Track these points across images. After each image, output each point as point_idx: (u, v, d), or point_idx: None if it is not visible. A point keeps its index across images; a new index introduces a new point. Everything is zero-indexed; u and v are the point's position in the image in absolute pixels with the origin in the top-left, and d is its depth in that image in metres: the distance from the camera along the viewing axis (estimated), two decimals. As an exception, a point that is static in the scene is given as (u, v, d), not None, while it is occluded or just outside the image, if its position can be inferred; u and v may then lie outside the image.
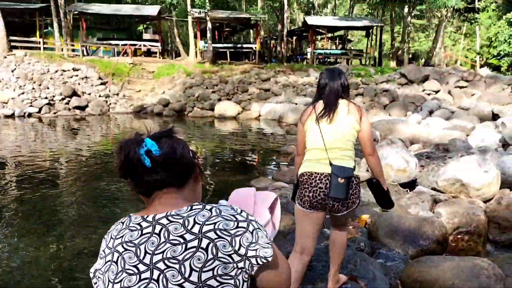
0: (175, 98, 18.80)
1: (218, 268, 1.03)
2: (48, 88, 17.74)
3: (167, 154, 1.13)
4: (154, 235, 1.08)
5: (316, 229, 2.67)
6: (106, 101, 18.54)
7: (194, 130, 14.54)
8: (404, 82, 18.80)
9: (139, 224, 1.12)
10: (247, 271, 1.07)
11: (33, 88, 17.45)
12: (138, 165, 1.12)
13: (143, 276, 1.04)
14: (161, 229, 1.08)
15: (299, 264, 2.65)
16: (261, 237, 1.09)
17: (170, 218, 1.09)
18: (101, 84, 19.41)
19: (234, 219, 1.08)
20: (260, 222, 1.16)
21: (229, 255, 1.04)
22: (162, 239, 1.06)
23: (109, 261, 1.11)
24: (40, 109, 16.62)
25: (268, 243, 1.09)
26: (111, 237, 1.15)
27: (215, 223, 1.06)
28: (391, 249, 3.76)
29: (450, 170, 4.94)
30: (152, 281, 1.03)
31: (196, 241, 1.04)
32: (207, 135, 13.67)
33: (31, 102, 16.80)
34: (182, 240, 1.05)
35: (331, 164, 2.50)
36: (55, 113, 16.83)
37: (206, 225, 1.06)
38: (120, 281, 1.06)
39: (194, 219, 1.07)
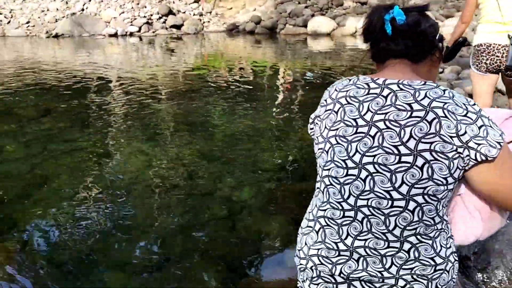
0: (267, 15, 18.39)
1: (436, 144, 1.03)
2: (145, 7, 18.27)
3: (410, 25, 1.13)
4: (380, 96, 1.11)
5: (491, 88, 3.45)
6: (200, 20, 18.73)
7: (286, 49, 14.30)
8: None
9: (367, 84, 1.16)
10: (464, 160, 1.04)
11: (132, 7, 18.07)
12: (379, 31, 1.15)
13: (360, 130, 1.10)
14: (389, 93, 1.11)
15: None
16: (490, 135, 1.03)
17: (401, 86, 1.10)
18: (194, 2, 19.51)
19: (465, 107, 1.05)
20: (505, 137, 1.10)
21: (451, 137, 1.02)
22: (388, 102, 1.09)
23: (329, 110, 1.18)
24: (140, 28, 17.28)
25: (496, 144, 1.02)
26: (335, 90, 1.21)
27: (445, 103, 1.04)
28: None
29: None
30: (368, 136, 1.09)
31: (423, 112, 1.04)
32: (299, 53, 13.37)
33: (131, 21, 17.50)
34: (408, 108, 1.06)
35: (509, 36, 2.98)
36: (153, 32, 17.44)
37: (436, 101, 1.05)
38: (336, 129, 1.14)
39: (426, 93, 1.07)
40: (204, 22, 18.82)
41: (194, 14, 18.92)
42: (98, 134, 5.59)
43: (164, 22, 17.95)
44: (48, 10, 17.99)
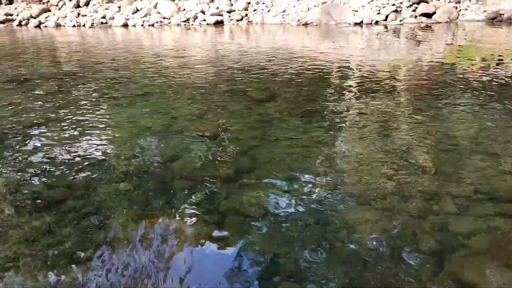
0: (546, 1, 15.02)
1: None
2: (396, -5, 17.39)
3: None
4: None
5: None
6: (456, 7, 16.72)
7: None
8: None
9: None
10: None
11: (382, -5, 17.47)
12: None
13: None
14: None
15: None
16: None
17: None
18: (453, -13, 17.49)
19: None
20: None
21: None
22: None
23: None
24: (387, 16, 16.59)
25: None
26: None
27: None
28: None
29: None
30: None
31: None
32: None
33: (379, 10, 16.95)
34: None
35: None
36: (400, 20, 16.48)
37: None
38: None
39: None
40: (460, 10, 16.73)
41: (449, 1, 17.01)
42: (316, 124, 5.44)
43: (414, 10, 16.74)
44: (303, -1, 19.12)
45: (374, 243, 3.02)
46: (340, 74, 8.37)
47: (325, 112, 5.92)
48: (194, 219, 3.46)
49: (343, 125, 5.43)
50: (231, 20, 18.97)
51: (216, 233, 3.26)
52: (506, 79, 7.53)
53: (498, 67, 8.73)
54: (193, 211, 3.57)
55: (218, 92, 7.16)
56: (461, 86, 7.07)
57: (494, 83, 7.21)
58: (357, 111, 5.94)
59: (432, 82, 7.42)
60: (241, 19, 18.97)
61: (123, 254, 3.10)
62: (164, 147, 4.89)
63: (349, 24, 16.69)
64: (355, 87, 7.27)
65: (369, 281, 2.66)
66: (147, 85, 7.77)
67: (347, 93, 6.93)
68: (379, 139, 4.87)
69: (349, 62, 9.66)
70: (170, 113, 6.04)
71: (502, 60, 9.58)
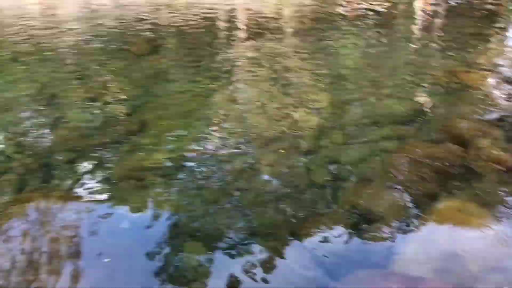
0: None
1: None
2: None
3: None
4: None
5: None
6: None
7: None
8: None
9: None
10: None
11: None
12: None
13: None
14: None
15: None
16: None
17: None
18: None
19: None
20: None
21: None
22: None
23: None
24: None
25: None
26: None
27: None
28: None
29: None
30: None
31: None
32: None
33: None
34: None
35: None
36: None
37: None
38: None
39: None
40: None
41: None
42: (206, 73, 5.21)
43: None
44: None
45: (272, 185, 3.03)
46: (225, 21, 8.12)
47: (214, 60, 5.72)
48: (82, 191, 3.16)
49: (234, 71, 5.30)
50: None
51: (109, 201, 3.02)
52: (379, 9, 7.91)
53: None
54: (80, 182, 3.26)
55: (95, 50, 6.53)
56: (340, 21, 7.27)
57: (368, 14, 7.52)
58: (246, 55, 5.83)
59: (313, 20, 7.53)
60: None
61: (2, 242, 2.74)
62: (36, 118, 4.35)
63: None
64: (241, 32, 7.12)
65: (270, 222, 2.67)
66: (9, 52, 6.82)
67: (234, 39, 6.76)
68: (271, 81, 4.85)
69: (233, 8, 9.41)
70: (40, 80, 5.36)
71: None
